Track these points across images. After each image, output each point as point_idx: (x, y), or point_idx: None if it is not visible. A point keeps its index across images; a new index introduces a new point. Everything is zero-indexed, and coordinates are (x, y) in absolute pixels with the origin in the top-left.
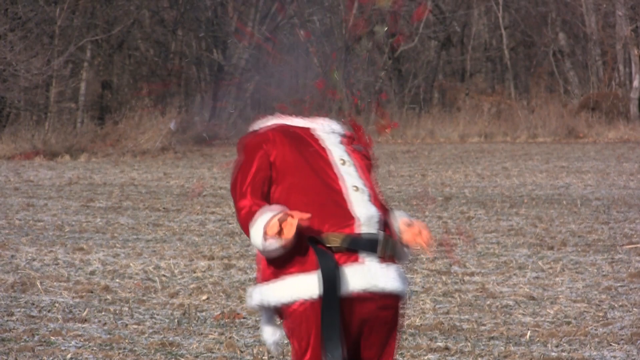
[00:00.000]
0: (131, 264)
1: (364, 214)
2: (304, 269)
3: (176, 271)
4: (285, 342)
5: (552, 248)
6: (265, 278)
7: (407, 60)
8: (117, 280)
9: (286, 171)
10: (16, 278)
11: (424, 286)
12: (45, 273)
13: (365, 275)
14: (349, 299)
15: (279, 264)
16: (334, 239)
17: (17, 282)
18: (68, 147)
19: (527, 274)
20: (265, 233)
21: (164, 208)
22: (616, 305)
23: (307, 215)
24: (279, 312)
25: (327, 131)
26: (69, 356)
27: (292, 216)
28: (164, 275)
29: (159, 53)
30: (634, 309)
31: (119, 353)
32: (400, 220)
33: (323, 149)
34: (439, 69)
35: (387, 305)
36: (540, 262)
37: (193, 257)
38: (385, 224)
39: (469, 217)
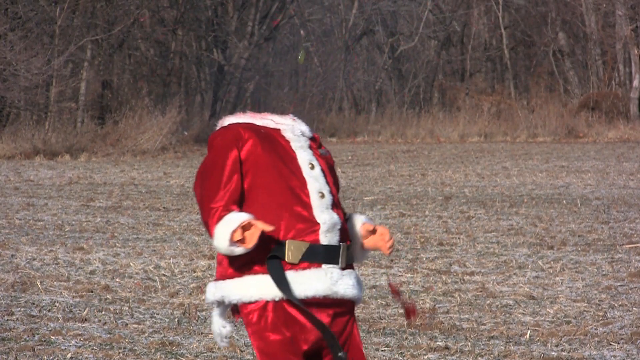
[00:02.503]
0: (131, 264)
1: (327, 221)
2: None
3: (176, 271)
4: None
5: (552, 248)
6: (227, 275)
7: (407, 60)
8: (117, 280)
9: (256, 172)
10: (16, 277)
11: (423, 286)
12: (46, 272)
13: (326, 282)
14: (309, 303)
15: (242, 263)
16: (295, 254)
17: (17, 282)
18: (68, 147)
19: (527, 273)
20: (230, 239)
21: (164, 207)
22: (616, 305)
23: (271, 227)
24: (236, 310)
25: (296, 133)
26: (69, 356)
27: (256, 226)
28: (164, 275)
29: (159, 53)
30: (634, 309)
31: (119, 353)
32: (361, 225)
33: (292, 151)
34: (439, 68)
35: (344, 312)
36: (540, 262)
37: (193, 257)
38: (345, 232)
39: (469, 217)
